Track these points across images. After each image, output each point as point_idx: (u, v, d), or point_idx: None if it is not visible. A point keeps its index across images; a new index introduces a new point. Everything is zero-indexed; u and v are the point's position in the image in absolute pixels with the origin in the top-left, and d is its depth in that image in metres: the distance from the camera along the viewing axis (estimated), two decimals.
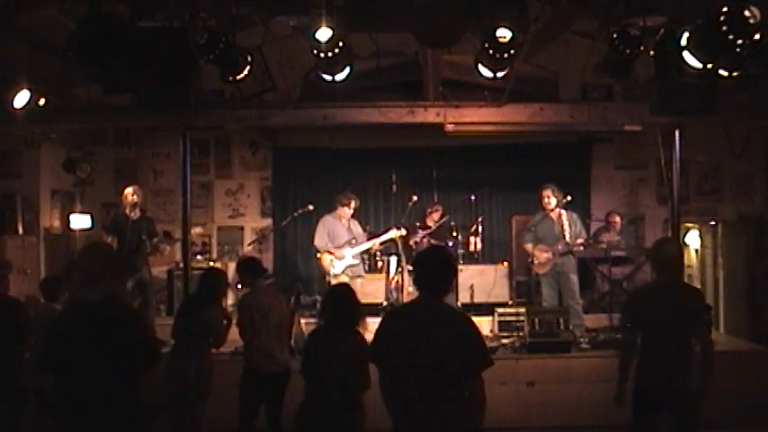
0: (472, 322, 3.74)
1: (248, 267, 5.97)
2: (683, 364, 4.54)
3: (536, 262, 8.18)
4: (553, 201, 8.08)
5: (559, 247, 8.02)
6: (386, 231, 8.75)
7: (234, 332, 5.94)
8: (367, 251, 8.97)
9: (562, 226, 8.07)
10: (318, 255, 8.48)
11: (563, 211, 8.16)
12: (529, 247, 8.26)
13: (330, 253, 8.34)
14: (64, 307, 4.56)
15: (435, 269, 3.64)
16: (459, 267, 9.37)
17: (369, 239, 8.70)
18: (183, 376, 5.45)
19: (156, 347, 3.96)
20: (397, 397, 3.56)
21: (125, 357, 3.50)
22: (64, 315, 3.87)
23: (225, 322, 5.87)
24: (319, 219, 8.64)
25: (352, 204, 8.47)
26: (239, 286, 7.68)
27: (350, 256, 8.39)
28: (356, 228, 8.67)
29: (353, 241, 8.44)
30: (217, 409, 5.80)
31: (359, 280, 8.42)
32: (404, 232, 8.73)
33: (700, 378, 4.55)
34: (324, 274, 8.55)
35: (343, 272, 8.33)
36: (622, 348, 4.93)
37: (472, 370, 3.52)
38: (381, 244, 8.82)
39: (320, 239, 8.45)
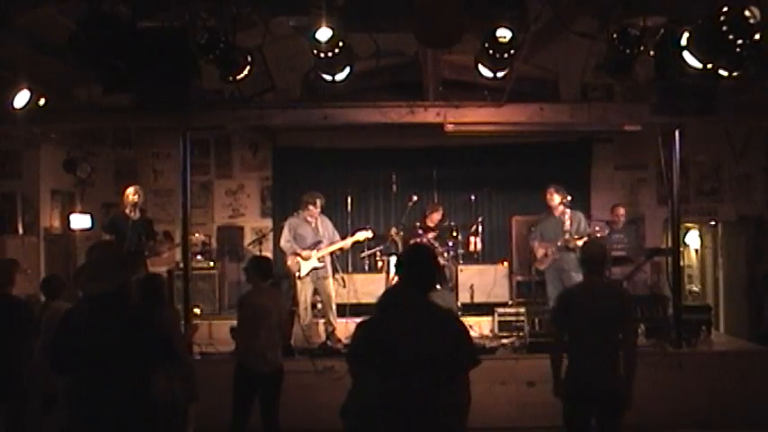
0: (460, 320, 3.78)
1: (258, 267, 5.91)
2: (610, 364, 4.61)
3: (537, 257, 8.35)
4: (556, 198, 8.21)
5: (558, 244, 8.10)
6: (353, 233, 8.65)
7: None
8: (371, 254, 8.96)
9: (563, 223, 8.17)
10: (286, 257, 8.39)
11: (567, 210, 8.27)
12: (534, 244, 8.46)
13: (297, 254, 8.23)
14: (73, 305, 4.59)
15: (425, 267, 3.60)
16: (460, 267, 9.41)
17: (343, 238, 8.58)
18: (170, 384, 5.14)
19: (168, 340, 4.01)
20: (380, 397, 3.49)
21: (140, 344, 3.60)
22: (74, 311, 3.94)
23: (182, 322, 5.82)
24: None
25: (318, 203, 8.32)
26: None
27: (315, 258, 8.25)
28: (325, 227, 8.47)
29: (320, 244, 8.29)
30: (212, 408, 5.80)
31: (325, 282, 8.34)
32: (370, 234, 8.65)
33: (624, 378, 4.61)
34: (290, 276, 8.45)
35: (307, 274, 8.25)
36: (553, 349, 4.97)
37: (460, 368, 3.50)
38: (351, 245, 8.70)
39: (285, 242, 8.36)
